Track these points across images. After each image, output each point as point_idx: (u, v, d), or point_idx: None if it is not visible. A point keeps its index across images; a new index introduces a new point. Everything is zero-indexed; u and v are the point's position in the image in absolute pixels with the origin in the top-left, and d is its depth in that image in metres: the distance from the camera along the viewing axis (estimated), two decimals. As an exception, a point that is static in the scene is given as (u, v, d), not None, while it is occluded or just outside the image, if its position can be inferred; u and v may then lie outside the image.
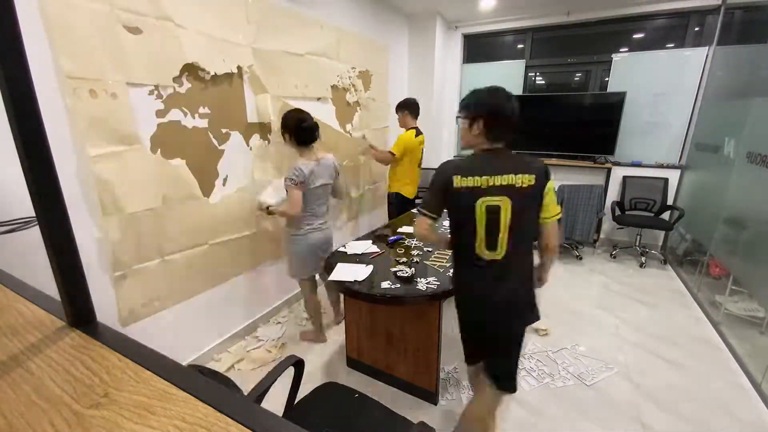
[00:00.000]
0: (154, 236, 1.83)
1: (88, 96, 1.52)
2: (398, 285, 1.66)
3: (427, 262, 1.91)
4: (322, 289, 2.69)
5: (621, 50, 3.96)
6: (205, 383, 0.51)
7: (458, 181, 1.27)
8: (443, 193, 1.31)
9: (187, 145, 1.94)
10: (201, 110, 1.99)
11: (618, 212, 3.85)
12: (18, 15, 0.50)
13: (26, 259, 1.15)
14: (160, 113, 1.80)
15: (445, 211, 1.36)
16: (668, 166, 3.87)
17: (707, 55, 3.53)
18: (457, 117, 1.39)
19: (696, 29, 3.65)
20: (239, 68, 2.16)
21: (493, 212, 1.26)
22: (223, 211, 2.17)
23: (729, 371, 2.20)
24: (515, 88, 4.35)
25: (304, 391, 1.34)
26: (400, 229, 2.44)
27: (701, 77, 3.59)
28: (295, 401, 1.32)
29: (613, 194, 4.11)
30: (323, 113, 2.93)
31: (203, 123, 2.01)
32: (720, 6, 3.40)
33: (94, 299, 0.65)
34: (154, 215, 1.81)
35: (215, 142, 2.10)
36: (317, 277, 2.38)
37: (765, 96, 2.46)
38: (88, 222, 1.61)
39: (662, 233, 4.04)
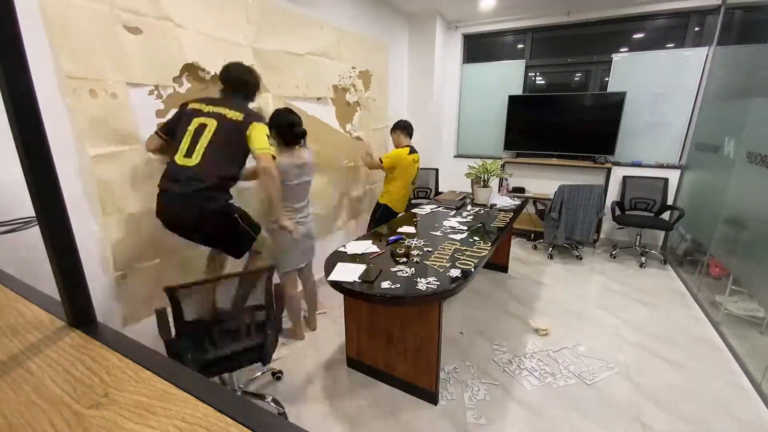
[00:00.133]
0: (154, 236, 1.83)
1: (88, 96, 1.52)
2: (398, 285, 1.66)
3: (427, 262, 1.91)
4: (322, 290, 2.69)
5: (621, 50, 3.96)
6: (205, 383, 0.51)
7: None
8: None
9: (187, 145, 1.93)
10: (201, 110, 1.99)
11: (618, 212, 3.85)
12: (18, 15, 0.50)
13: (26, 259, 1.16)
14: (160, 113, 1.80)
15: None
16: (668, 166, 3.87)
17: (707, 55, 3.53)
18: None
19: (696, 29, 3.65)
20: (239, 68, 2.16)
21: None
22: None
23: (729, 371, 2.21)
24: (515, 88, 4.31)
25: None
26: (400, 229, 2.43)
27: (701, 77, 3.59)
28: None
29: (613, 194, 4.11)
30: (323, 113, 2.93)
31: (203, 123, 2.01)
32: (720, 6, 3.40)
33: (94, 299, 0.65)
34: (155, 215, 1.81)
35: (215, 142, 2.10)
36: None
37: (765, 96, 2.46)
38: (88, 222, 1.61)
39: (662, 233, 4.04)
